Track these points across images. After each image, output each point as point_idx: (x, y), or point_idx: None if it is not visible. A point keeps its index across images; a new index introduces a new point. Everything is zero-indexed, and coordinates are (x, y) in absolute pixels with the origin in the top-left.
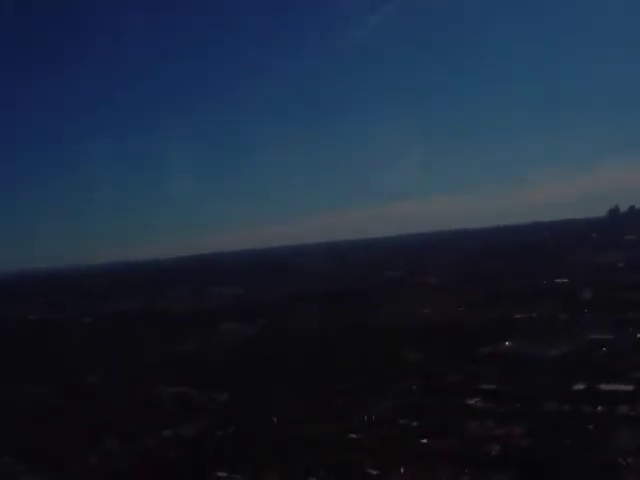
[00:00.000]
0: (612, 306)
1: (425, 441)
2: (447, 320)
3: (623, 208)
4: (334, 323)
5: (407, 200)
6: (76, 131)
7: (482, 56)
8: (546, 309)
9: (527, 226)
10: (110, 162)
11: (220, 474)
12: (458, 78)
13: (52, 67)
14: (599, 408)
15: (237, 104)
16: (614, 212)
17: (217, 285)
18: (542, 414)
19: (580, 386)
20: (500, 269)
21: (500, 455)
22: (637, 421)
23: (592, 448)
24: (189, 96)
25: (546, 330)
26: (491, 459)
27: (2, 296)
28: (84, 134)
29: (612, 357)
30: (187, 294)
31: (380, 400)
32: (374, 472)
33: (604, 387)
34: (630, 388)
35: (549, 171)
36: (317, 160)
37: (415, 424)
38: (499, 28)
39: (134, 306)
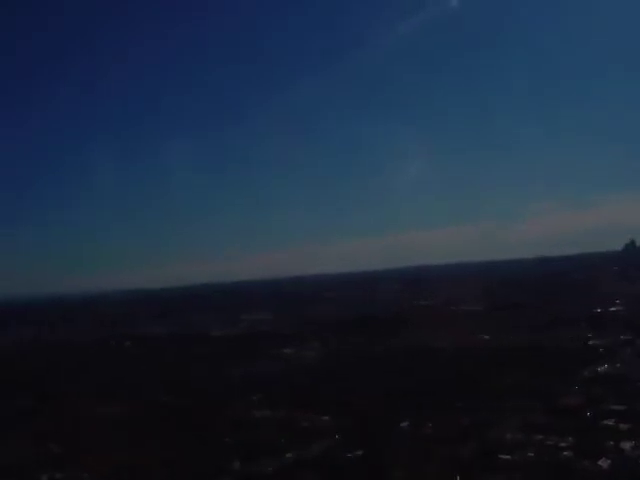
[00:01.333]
0: None
1: (587, 463)
2: (522, 344)
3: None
4: (396, 346)
5: (414, 231)
6: (88, 154)
7: (495, 87)
8: (616, 334)
9: (541, 259)
10: (124, 188)
11: None
12: (471, 106)
13: (56, 84)
14: None
15: (252, 122)
16: (630, 246)
17: (244, 312)
18: None
19: None
20: (539, 297)
21: None
22: None
23: None
24: (200, 112)
25: (631, 354)
26: None
27: (24, 319)
28: (96, 157)
29: None
30: (217, 319)
31: (505, 419)
32: None
33: None
34: None
35: (557, 204)
36: (333, 188)
37: (563, 444)
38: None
39: (169, 330)
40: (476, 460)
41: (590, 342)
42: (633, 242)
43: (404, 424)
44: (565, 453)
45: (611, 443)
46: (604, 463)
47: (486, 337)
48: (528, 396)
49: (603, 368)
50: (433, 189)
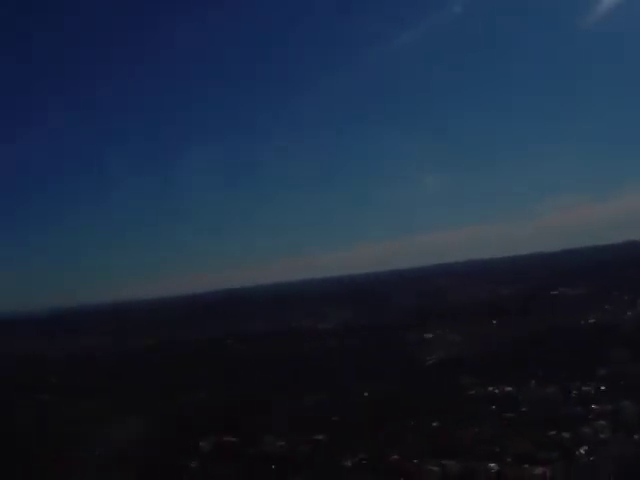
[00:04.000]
0: None
1: None
2: None
3: None
4: (542, 327)
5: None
6: (110, 160)
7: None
8: None
9: (574, 250)
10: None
11: None
12: (483, 110)
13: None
14: None
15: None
16: None
17: (323, 308)
18: None
19: None
20: (630, 281)
21: None
22: None
23: None
24: (218, 121)
25: None
26: None
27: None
28: (119, 162)
29: None
30: (305, 316)
31: None
32: None
33: None
34: None
35: (576, 196)
36: (358, 189)
37: None
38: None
39: (269, 329)
40: None
41: None
42: None
43: None
44: None
45: None
46: None
47: (630, 315)
48: None
49: None
50: (445, 189)
